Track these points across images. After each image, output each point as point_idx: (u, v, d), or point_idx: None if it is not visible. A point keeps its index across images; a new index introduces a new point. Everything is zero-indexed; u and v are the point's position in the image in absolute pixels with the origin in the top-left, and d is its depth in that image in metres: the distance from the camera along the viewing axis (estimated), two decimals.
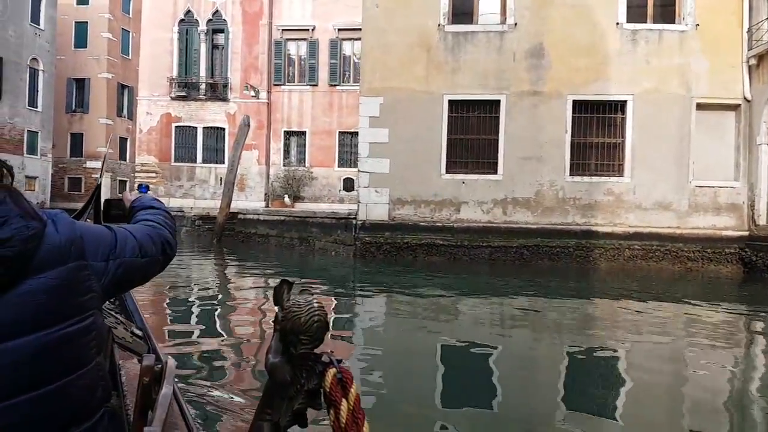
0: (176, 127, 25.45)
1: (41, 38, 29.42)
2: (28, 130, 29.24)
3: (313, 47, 24.90)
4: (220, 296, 9.81)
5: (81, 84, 34.06)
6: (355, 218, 13.86)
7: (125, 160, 36.19)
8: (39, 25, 29.37)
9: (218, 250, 17.58)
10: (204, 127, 25.42)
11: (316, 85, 25.04)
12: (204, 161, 25.48)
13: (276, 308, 1.20)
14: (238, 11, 25.12)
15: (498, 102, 13.46)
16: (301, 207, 23.00)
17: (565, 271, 12.87)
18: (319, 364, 1.15)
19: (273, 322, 1.22)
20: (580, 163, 13.42)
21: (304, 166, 25.26)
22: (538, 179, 13.35)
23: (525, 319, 8.05)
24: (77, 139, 34.25)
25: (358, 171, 13.88)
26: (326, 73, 24.88)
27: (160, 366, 1.37)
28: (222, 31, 25.37)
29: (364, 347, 5.99)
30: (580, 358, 5.88)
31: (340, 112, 24.95)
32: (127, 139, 36.16)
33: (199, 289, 10.52)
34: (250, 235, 17.96)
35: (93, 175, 34.41)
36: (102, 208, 1.95)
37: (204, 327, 6.80)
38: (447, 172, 13.52)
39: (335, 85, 24.89)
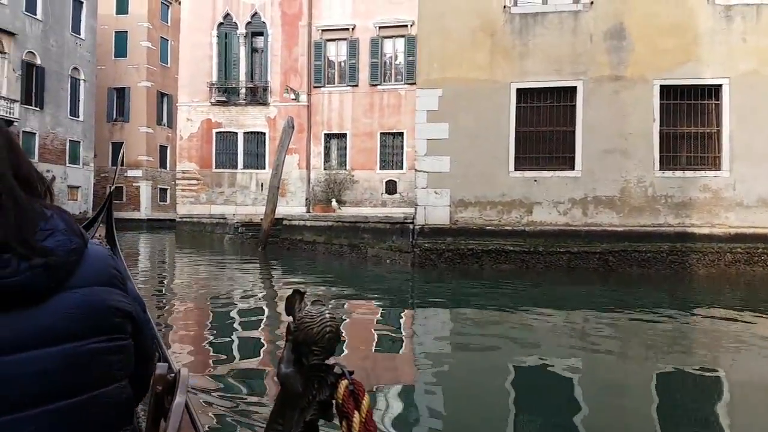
0: (217, 132, 24.15)
1: (82, 48, 28.57)
2: (69, 140, 28.40)
3: (353, 47, 23.32)
4: (260, 308, 8.49)
5: (121, 93, 33.25)
6: (412, 223, 12.11)
7: (165, 168, 35.24)
8: (80, 34, 28.57)
9: (263, 258, 16.04)
10: (244, 132, 24.05)
11: (357, 86, 23.45)
12: (245, 167, 24.11)
13: (289, 318, 1.13)
14: (277, 13, 23.71)
15: (574, 89, 11.56)
16: (341, 211, 21.38)
17: (658, 280, 10.90)
18: (331, 375, 1.11)
19: (285, 332, 1.14)
20: (671, 156, 11.42)
21: (345, 169, 23.66)
22: (622, 175, 11.40)
23: (611, 336, 6.63)
24: (118, 148, 33.38)
25: (415, 171, 12.13)
26: (367, 74, 23.26)
27: (173, 375, 1.29)
28: (261, 33, 23.99)
29: (426, 369, 5.13)
30: (676, 382, 4.89)
31: (381, 113, 23.29)
32: (167, 147, 35.23)
33: (240, 298, 9.18)
34: (295, 242, 16.37)
35: (134, 184, 33.52)
36: None
37: (230, 339, 6.18)
38: (516, 169, 11.67)
39: (376, 85, 23.25)
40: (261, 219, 20.60)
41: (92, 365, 1.06)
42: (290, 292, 1.14)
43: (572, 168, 11.58)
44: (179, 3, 34.63)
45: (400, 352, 5.93)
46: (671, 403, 4.34)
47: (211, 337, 6.30)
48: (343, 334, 6.44)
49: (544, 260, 11.39)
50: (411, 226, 12.09)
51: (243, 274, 13.31)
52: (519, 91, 11.66)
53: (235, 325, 6.99)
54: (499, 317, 7.66)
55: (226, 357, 5.28)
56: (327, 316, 1.11)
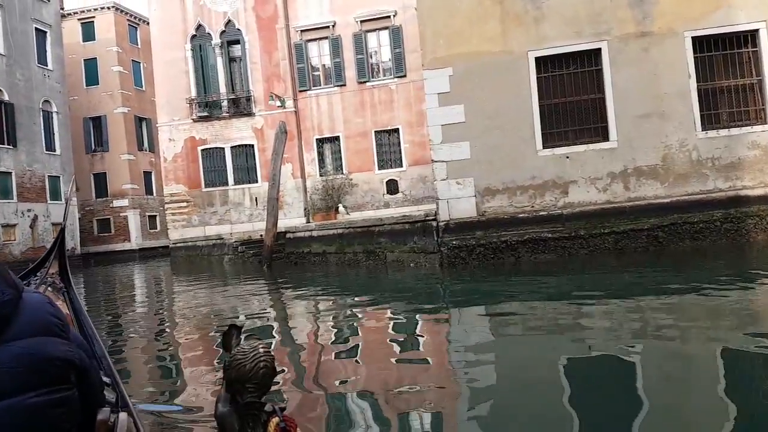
0: (202, 150, 22.64)
1: (51, 79, 26.94)
2: (48, 176, 26.74)
3: (336, 45, 21.94)
4: (271, 329, 7.56)
5: (98, 122, 31.64)
6: (435, 219, 10.77)
7: (152, 194, 33.62)
8: (47, 65, 26.94)
9: (270, 277, 14.59)
10: (232, 147, 22.56)
11: (344, 85, 22.07)
12: (236, 182, 22.61)
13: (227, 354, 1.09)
14: (252, 18, 22.28)
15: (598, 51, 10.29)
16: (348, 218, 19.99)
17: (714, 252, 9.66)
18: (264, 413, 1.11)
19: (222, 369, 1.13)
20: (713, 114, 10.18)
21: (342, 173, 22.25)
22: (662, 140, 10.13)
23: (673, 322, 5.72)
24: (101, 179, 31.78)
25: (432, 162, 10.78)
26: (353, 71, 21.88)
27: (113, 420, 1.29)
28: (237, 41, 22.54)
29: (472, 379, 4.41)
30: (749, 367, 4.15)
31: (373, 111, 21.93)
32: (151, 172, 33.60)
33: (250, 323, 7.81)
34: (302, 255, 14.95)
35: (121, 214, 31.88)
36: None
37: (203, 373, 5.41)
38: (544, 147, 10.36)
39: (364, 82, 21.89)
40: (261, 235, 19.16)
41: (35, 420, 0.99)
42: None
43: (606, 139, 10.30)
44: (147, 23, 33.09)
45: (440, 360, 5.28)
46: (745, 394, 3.68)
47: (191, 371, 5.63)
48: (378, 345, 5.81)
49: (587, 245, 10.09)
50: (434, 224, 10.74)
51: (249, 296, 11.90)
52: (538, 59, 10.36)
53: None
54: (544, 312, 6.79)
55: (186, 391, 4.86)
56: (261, 351, 1.11)
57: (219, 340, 7.39)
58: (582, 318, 6.36)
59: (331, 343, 6.39)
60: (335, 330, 7.22)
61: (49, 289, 3.49)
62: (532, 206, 10.37)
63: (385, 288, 10.73)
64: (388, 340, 6.34)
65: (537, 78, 10.36)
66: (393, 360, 5.33)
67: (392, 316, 7.82)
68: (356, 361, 5.45)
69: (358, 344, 6.16)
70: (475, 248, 10.36)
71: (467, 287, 9.70)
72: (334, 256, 13.73)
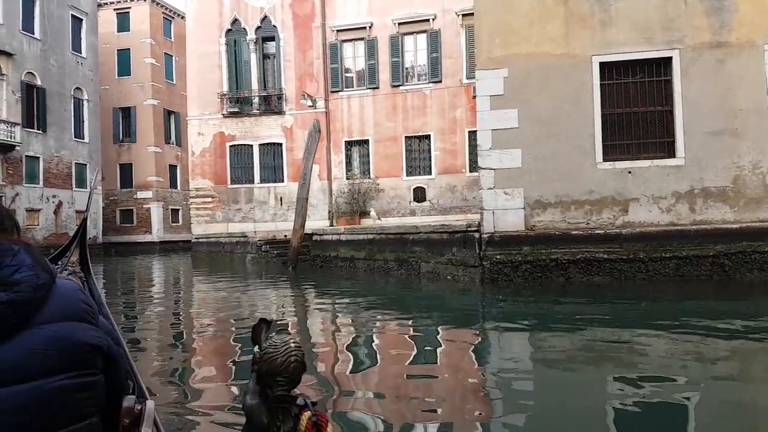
0: (230, 146, 21.93)
1: (84, 66, 26.47)
2: (75, 163, 26.23)
3: (371, 47, 21.14)
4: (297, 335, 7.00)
5: (127, 113, 31.15)
6: (478, 231, 9.82)
7: (176, 188, 33.05)
8: (81, 53, 26.49)
9: (294, 279, 13.73)
10: (260, 144, 21.83)
11: (377, 88, 21.24)
12: (262, 181, 21.85)
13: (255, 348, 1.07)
14: (288, 15, 21.57)
15: (668, 60, 9.32)
16: (368, 223, 19.11)
17: None
18: (295, 407, 1.08)
19: (251, 362, 1.11)
20: None
21: (369, 177, 21.38)
22: (734, 161, 9.11)
23: (738, 365, 5.08)
24: (126, 170, 31.26)
25: (479, 168, 9.86)
26: (387, 74, 21.05)
27: (140, 408, 1.26)
28: (272, 38, 21.84)
29: (505, 409, 3.89)
30: None
31: (405, 116, 21.05)
32: (177, 166, 33.06)
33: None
34: (329, 258, 14.08)
35: (144, 206, 31.33)
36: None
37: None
38: (605, 159, 9.39)
39: (398, 86, 21.03)
40: (286, 235, 18.35)
41: (61, 403, 1.00)
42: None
43: (673, 155, 9.30)
44: (182, 18, 32.65)
45: (472, 385, 4.71)
46: None
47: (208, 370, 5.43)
48: (403, 361, 5.34)
49: (645, 269, 9.07)
50: (477, 235, 9.79)
51: (271, 296, 11.10)
52: (602, 65, 9.41)
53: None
54: (593, 341, 6.02)
55: (205, 386, 4.76)
56: (291, 345, 1.07)
57: (238, 333, 6.71)
58: (634, 351, 5.55)
59: (352, 354, 5.86)
60: (358, 341, 6.59)
61: (71, 276, 3.24)
62: (587, 223, 9.39)
63: (417, 300, 9.84)
64: (415, 356, 5.65)
65: (600, 85, 9.40)
66: (417, 381, 4.82)
67: (422, 330, 7.09)
68: (375, 376, 4.92)
69: (382, 359, 5.58)
70: (521, 265, 9.39)
71: (509, 306, 8.77)
72: (363, 262, 12.84)
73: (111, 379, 1.13)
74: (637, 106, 9.40)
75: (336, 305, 9.64)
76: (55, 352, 1.00)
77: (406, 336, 6.86)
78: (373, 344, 6.45)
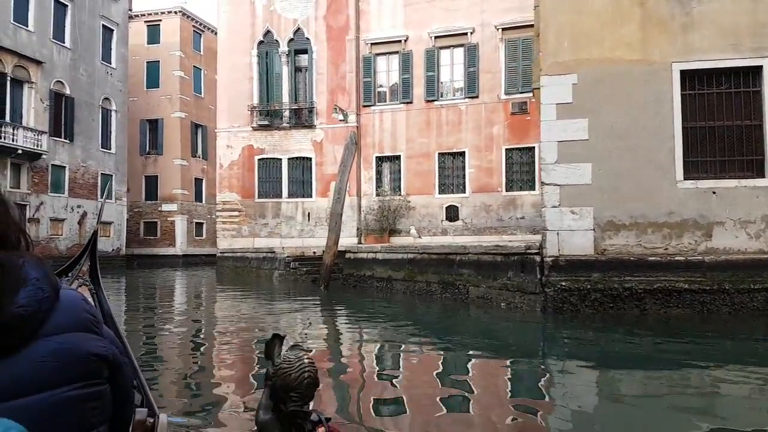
0: (259, 159, 21.15)
1: (113, 77, 26.08)
2: (101, 173, 25.69)
3: (406, 60, 20.32)
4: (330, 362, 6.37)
5: (154, 125, 30.72)
6: (539, 253, 8.74)
7: (201, 202, 32.42)
8: (110, 63, 26.14)
9: (326, 299, 12.73)
10: (289, 158, 21.02)
11: (411, 103, 20.35)
12: (290, 195, 21.00)
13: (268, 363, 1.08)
14: (322, 27, 20.89)
15: (758, 70, 8.25)
16: (398, 241, 18.09)
17: None
18: (309, 423, 1.06)
19: (264, 377, 1.11)
20: None
21: (400, 194, 20.39)
22: None
23: None
24: (152, 182, 30.72)
25: (542, 184, 8.81)
26: (422, 89, 20.17)
27: (152, 421, 1.24)
28: (305, 51, 21.15)
29: None
30: None
31: (438, 131, 20.11)
32: (202, 179, 32.46)
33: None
34: (364, 278, 13.06)
35: (169, 219, 30.69)
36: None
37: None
38: (686, 177, 8.30)
39: (432, 101, 20.13)
40: (314, 252, 17.41)
41: (69, 414, 1.00)
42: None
43: (762, 175, 8.18)
44: (212, 31, 32.34)
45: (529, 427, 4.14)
46: None
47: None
48: (446, 397, 4.82)
49: (731, 302, 7.91)
50: (538, 258, 8.71)
51: (301, 318, 10.18)
52: (684, 73, 8.36)
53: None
54: (670, 382, 5.28)
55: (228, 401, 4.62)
56: (305, 361, 1.06)
57: (260, 351, 6.10)
58: (717, 397, 4.85)
59: (387, 385, 5.33)
60: (396, 371, 6.01)
61: (80, 288, 3.33)
62: (666, 248, 8.26)
63: (464, 328, 8.80)
64: (461, 389, 5.07)
65: (681, 95, 8.35)
66: (459, 416, 4.34)
67: (470, 362, 6.36)
68: (412, 415, 4.37)
69: (421, 395, 4.94)
70: (589, 293, 8.28)
71: (575, 340, 7.69)
72: (402, 283, 11.80)
73: (117, 389, 1.11)
74: (722, 120, 8.32)
75: (372, 330, 8.73)
76: (62, 363, 0.97)
77: (452, 367, 6.17)
78: (412, 376, 5.77)
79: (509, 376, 5.81)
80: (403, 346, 7.43)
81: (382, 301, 11.89)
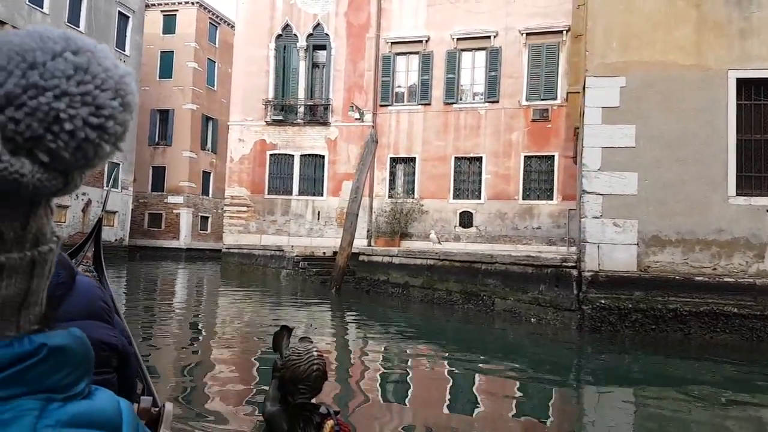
0: (271, 155, 20.53)
1: (126, 64, 24.97)
2: (108, 161, 25.04)
3: (426, 61, 19.71)
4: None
5: (165, 116, 30.11)
6: (576, 267, 8.10)
7: (208, 195, 31.80)
8: (125, 50, 25.57)
9: (337, 303, 12.09)
10: (302, 155, 20.40)
11: (429, 105, 19.73)
12: (300, 193, 20.37)
13: (276, 355, 1.06)
14: (342, 24, 20.29)
15: None
16: (408, 245, 17.45)
17: None
18: (317, 415, 1.06)
19: (272, 369, 1.10)
20: None
21: (413, 197, 19.75)
22: None
23: None
24: (159, 173, 30.11)
25: (583, 193, 8.17)
26: (441, 90, 19.55)
27: (157, 409, 1.22)
28: (323, 47, 20.54)
29: None
30: None
31: (456, 134, 19.47)
32: (210, 173, 31.86)
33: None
34: (378, 283, 12.43)
35: (174, 211, 30.08)
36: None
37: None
38: (738, 193, 7.66)
39: (451, 103, 19.50)
40: (324, 252, 16.80)
41: None
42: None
43: None
44: (228, 24, 31.80)
45: None
46: None
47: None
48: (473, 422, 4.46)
49: None
50: (574, 272, 8.07)
51: (310, 322, 9.62)
52: (740, 81, 7.75)
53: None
54: (715, 416, 4.86)
55: (217, 391, 4.68)
56: (314, 353, 1.07)
57: (264, 346, 5.84)
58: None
59: (403, 405, 4.96)
60: (411, 387, 5.63)
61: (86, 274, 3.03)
62: (714, 268, 7.62)
63: (488, 343, 8.19)
64: (481, 414, 4.73)
65: (737, 105, 7.72)
66: None
67: (494, 380, 6.00)
68: None
69: (440, 412, 4.72)
70: (630, 313, 7.64)
71: (613, 362, 7.12)
72: (420, 291, 11.15)
73: (123, 378, 1.06)
74: None
75: (386, 339, 8.19)
76: None
77: (474, 385, 5.75)
78: (428, 395, 5.38)
79: (538, 399, 5.31)
80: (420, 359, 7.01)
81: (398, 309, 11.27)
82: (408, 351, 7.43)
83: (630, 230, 7.80)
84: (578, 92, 10.73)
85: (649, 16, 8.04)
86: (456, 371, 6.38)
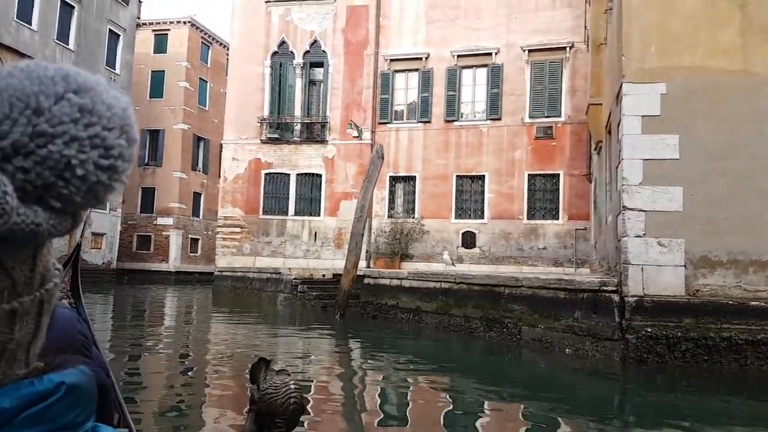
0: (266, 174, 19.61)
1: (116, 83, 24.49)
2: None
3: (426, 78, 19.06)
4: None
5: (155, 135, 29.11)
6: (617, 291, 7.24)
7: (198, 217, 30.67)
8: (115, 69, 24.66)
9: (342, 330, 11.11)
10: (298, 174, 19.50)
11: (429, 122, 19.02)
12: (296, 213, 19.42)
13: (251, 388, 1.05)
14: (340, 41, 19.62)
15: None
16: (408, 266, 16.53)
17: None
18: None
19: (249, 402, 1.05)
20: None
21: (414, 217, 18.91)
22: None
23: None
24: (149, 194, 28.98)
25: (623, 209, 7.35)
26: (442, 108, 18.86)
27: None
28: (320, 64, 19.82)
29: None
30: None
31: (457, 152, 18.73)
32: (201, 194, 30.78)
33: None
34: (386, 308, 11.47)
35: (164, 233, 28.90)
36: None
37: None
38: None
39: (452, 121, 18.81)
40: (324, 275, 15.82)
41: None
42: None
43: None
44: (221, 44, 31.09)
45: None
46: None
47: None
48: None
49: None
50: (615, 297, 7.20)
51: (311, 351, 8.60)
52: None
53: None
54: None
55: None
56: (291, 387, 1.04)
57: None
58: None
59: None
60: (423, 422, 5.06)
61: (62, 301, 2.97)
62: None
63: (516, 375, 7.29)
64: None
65: None
66: None
67: (524, 419, 5.19)
68: None
69: None
70: (679, 342, 6.77)
71: (662, 399, 6.29)
72: (434, 316, 10.21)
73: (101, 411, 0.96)
74: None
75: (398, 370, 7.40)
76: None
77: (500, 424, 5.14)
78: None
79: None
80: (438, 392, 6.22)
81: (410, 336, 10.31)
82: (423, 383, 6.62)
83: (676, 250, 6.98)
84: (599, 104, 10.03)
85: (690, 18, 7.35)
86: (478, 407, 5.63)
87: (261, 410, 1.01)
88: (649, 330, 6.87)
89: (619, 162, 7.48)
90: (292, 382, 1.02)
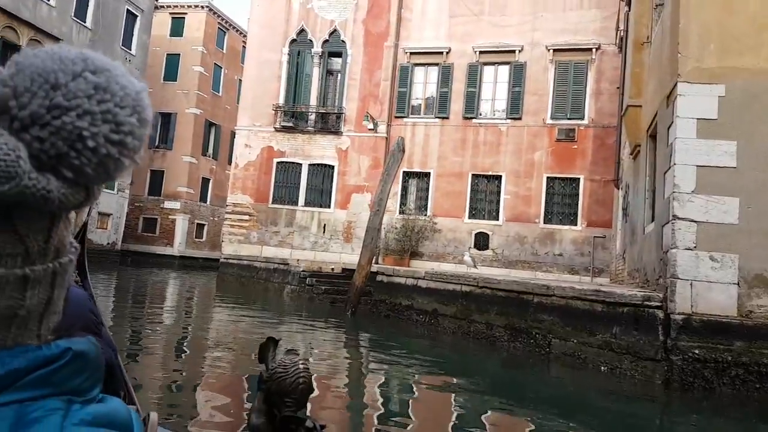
0: (278, 162, 18.98)
1: (131, 64, 23.92)
2: None
3: (446, 73, 18.37)
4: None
5: (167, 119, 28.50)
6: (661, 307, 6.60)
7: (206, 202, 30.10)
8: (130, 50, 24.04)
9: (352, 328, 10.51)
10: (310, 164, 18.87)
11: (447, 118, 18.34)
12: (306, 204, 18.80)
13: (261, 367, 1.02)
14: (360, 31, 18.94)
15: None
16: (418, 265, 15.90)
17: None
18: (303, 429, 0.99)
19: (257, 381, 1.02)
20: None
21: (426, 214, 18.25)
22: None
23: None
24: (157, 177, 28.42)
25: (672, 218, 6.70)
26: (461, 104, 18.18)
27: (142, 419, 1.05)
28: (339, 54, 19.15)
29: None
30: None
31: (474, 151, 18.06)
32: (209, 179, 30.21)
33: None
34: (400, 308, 10.86)
35: (170, 217, 28.34)
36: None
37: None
38: None
39: (470, 118, 18.12)
40: (333, 269, 15.21)
41: None
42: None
43: None
44: (237, 30, 30.43)
45: None
46: None
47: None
48: None
49: None
50: (660, 314, 6.57)
51: (321, 348, 8.04)
52: None
53: None
54: None
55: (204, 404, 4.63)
56: (300, 366, 1.02)
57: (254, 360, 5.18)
58: None
59: None
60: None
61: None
62: None
63: (543, 393, 6.64)
64: None
65: None
66: None
67: None
68: None
69: None
70: (729, 367, 6.14)
71: (706, 426, 5.63)
72: (453, 321, 9.59)
73: (109, 390, 0.97)
74: None
75: (411, 374, 6.90)
76: None
77: None
78: None
79: None
80: (456, 407, 5.62)
81: (425, 339, 9.70)
82: (433, 389, 6.07)
83: (729, 266, 6.34)
84: (639, 106, 9.36)
85: (752, 17, 6.68)
86: (495, 425, 5.00)
87: (270, 389, 0.98)
88: (697, 352, 6.23)
89: (669, 167, 6.82)
90: (301, 361, 0.99)
